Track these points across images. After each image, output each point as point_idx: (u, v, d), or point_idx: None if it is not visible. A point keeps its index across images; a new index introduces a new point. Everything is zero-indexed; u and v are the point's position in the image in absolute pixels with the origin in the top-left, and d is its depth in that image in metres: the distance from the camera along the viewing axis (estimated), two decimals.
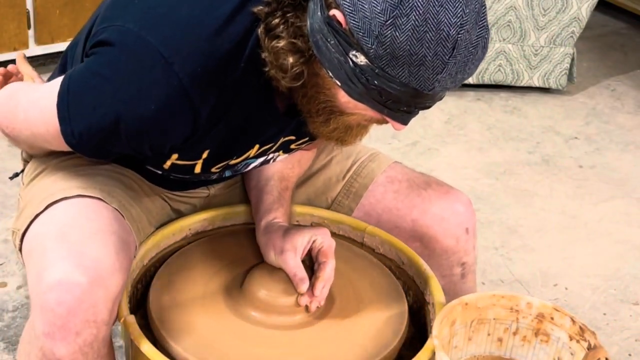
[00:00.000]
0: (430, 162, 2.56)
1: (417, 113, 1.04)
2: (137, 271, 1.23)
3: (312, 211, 1.38)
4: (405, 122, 1.04)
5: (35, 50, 2.68)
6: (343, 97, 1.02)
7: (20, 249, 1.15)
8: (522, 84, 3.08)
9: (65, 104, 1.05)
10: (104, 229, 1.09)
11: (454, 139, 2.75)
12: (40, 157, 1.27)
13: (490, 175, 2.56)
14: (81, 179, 1.17)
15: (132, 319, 1.12)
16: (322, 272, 1.18)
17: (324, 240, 1.19)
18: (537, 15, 2.93)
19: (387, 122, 1.06)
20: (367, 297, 1.24)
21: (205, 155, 1.15)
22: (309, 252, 1.20)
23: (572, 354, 1.15)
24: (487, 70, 3.02)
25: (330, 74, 1.00)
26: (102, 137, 1.05)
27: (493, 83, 3.06)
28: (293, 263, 1.17)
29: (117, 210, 1.14)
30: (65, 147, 1.10)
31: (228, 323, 1.16)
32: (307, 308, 1.18)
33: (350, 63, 0.97)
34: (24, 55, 1.33)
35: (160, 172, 1.22)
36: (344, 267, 1.28)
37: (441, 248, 1.33)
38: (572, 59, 3.05)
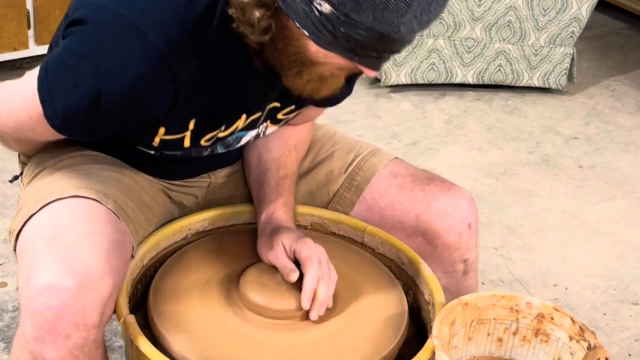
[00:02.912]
0: (430, 162, 2.56)
1: (388, 58, 1.04)
2: (137, 271, 1.23)
3: (312, 211, 1.38)
4: (376, 68, 1.04)
5: (35, 50, 2.68)
6: (312, 47, 1.02)
7: (15, 250, 1.15)
8: (522, 84, 3.08)
9: (46, 86, 1.06)
10: (97, 231, 1.09)
11: (454, 139, 2.75)
12: (38, 157, 1.27)
13: (490, 175, 2.56)
14: (78, 179, 1.17)
15: (132, 318, 1.12)
16: (304, 284, 1.17)
17: (302, 249, 1.19)
18: (537, 15, 2.93)
19: (359, 70, 1.06)
20: (367, 298, 1.24)
21: (192, 126, 1.15)
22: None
23: (572, 354, 1.15)
24: (487, 70, 3.02)
25: (297, 24, 1.00)
26: (85, 115, 1.05)
27: (493, 83, 3.06)
28: (282, 258, 1.19)
29: (112, 211, 1.14)
30: (51, 133, 1.09)
31: (228, 323, 1.16)
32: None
33: (316, 12, 0.97)
34: None
35: (152, 153, 1.22)
36: (344, 267, 1.28)
37: (444, 244, 1.33)
38: (572, 59, 3.05)
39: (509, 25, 2.94)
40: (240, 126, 1.20)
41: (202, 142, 1.19)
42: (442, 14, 2.83)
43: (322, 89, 1.11)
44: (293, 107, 1.25)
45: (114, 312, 1.14)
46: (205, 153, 1.25)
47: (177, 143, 1.18)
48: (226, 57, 1.09)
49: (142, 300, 1.25)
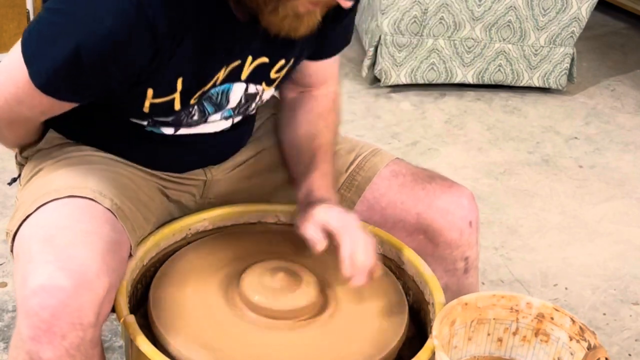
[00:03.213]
0: (430, 162, 2.56)
1: None
2: (137, 271, 1.23)
3: None
4: None
5: None
6: None
7: (12, 250, 1.15)
8: (522, 84, 3.08)
9: (29, 47, 1.07)
10: (93, 231, 1.08)
11: (454, 139, 2.75)
12: (35, 158, 1.27)
13: (490, 175, 2.56)
14: (74, 178, 1.17)
15: (132, 318, 1.12)
16: (339, 255, 1.18)
17: (331, 221, 1.19)
18: (537, 15, 2.93)
19: (334, 2, 1.07)
20: (367, 297, 1.24)
21: (179, 86, 1.14)
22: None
23: (572, 354, 1.16)
24: (487, 70, 3.02)
25: None
26: (68, 72, 1.05)
27: (493, 83, 3.06)
28: (310, 230, 1.20)
29: (109, 210, 1.14)
30: (39, 102, 1.10)
31: (228, 323, 1.16)
32: (324, 305, 1.19)
33: None
34: None
35: (145, 124, 1.22)
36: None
37: (445, 241, 1.33)
38: (572, 59, 3.05)
39: (509, 25, 2.94)
40: (221, 76, 1.19)
41: (192, 102, 1.19)
42: (442, 14, 2.84)
43: (299, 27, 1.11)
44: (283, 61, 1.24)
45: (114, 312, 1.14)
46: (195, 118, 1.23)
47: (168, 107, 1.17)
48: (204, 3, 1.09)
49: (142, 300, 1.25)
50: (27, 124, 1.22)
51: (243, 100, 1.26)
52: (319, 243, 1.19)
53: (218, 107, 1.24)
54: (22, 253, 1.08)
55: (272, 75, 1.25)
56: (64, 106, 1.14)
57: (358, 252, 1.17)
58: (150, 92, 1.14)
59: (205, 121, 1.26)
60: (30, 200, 1.14)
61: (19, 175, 1.33)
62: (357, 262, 1.17)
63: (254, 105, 1.29)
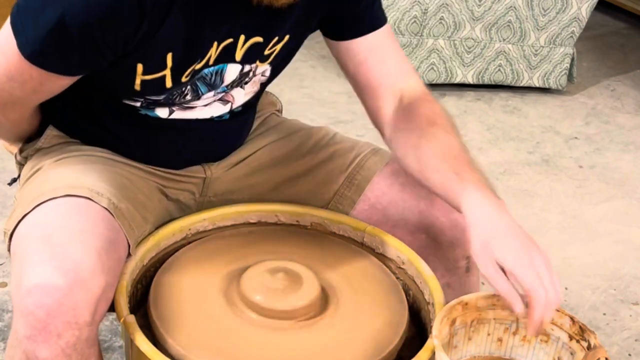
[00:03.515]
0: None
1: None
2: (137, 271, 1.23)
3: (312, 211, 1.38)
4: None
5: None
6: None
7: (10, 250, 1.15)
8: (522, 84, 3.08)
9: (18, 19, 1.07)
10: (88, 230, 1.09)
11: None
12: (34, 158, 1.27)
13: (490, 175, 2.55)
14: (71, 178, 1.17)
15: (132, 318, 1.12)
16: (530, 317, 1.07)
17: (523, 277, 1.06)
18: (537, 15, 2.93)
19: None
20: (367, 297, 1.24)
21: (170, 62, 1.14)
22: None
23: (572, 353, 1.15)
24: (487, 70, 3.02)
25: None
26: (55, 40, 1.05)
27: (493, 83, 3.06)
28: (504, 284, 1.08)
29: (106, 209, 1.14)
30: (30, 76, 1.10)
31: (228, 323, 1.16)
32: (324, 306, 1.18)
33: None
34: None
35: (138, 105, 1.21)
36: (344, 266, 1.28)
37: (447, 240, 1.33)
38: (572, 59, 3.06)
39: (509, 25, 2.94)
40: (213, 55, 1.18)
41: (183, 79, 1.18)
42: (442, 14, 2.84)
43: None
44: (276, 39, 1.23)
45: (114, 311, 1.14)
46: (189, 97, 1.23)
47: (159, 84, 1.16)
48: None
49: (142, 300, 1.25)
50: (20, 106, 1.21)
51: (237, 79, 1.25)
52: (516, 305, 1.07)
53: (212, 87, 1.24)
54: (19, 252, 1.08)
55: (266, 52, 1.24)
56: (55, 83, 1.14)
57: (546, 315, 1.07)
58: (140, 67, 1.13)
59: (199, 98, 1.25)
60: (28, 199, 1.14)
61: (19, 176, 1.33)
62: (543, 322, 1.08)
63: (247, 80, 1.27)
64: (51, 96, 1.19)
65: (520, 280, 1.07)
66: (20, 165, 1.33)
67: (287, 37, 1.24)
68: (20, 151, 1.33)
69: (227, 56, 1.20)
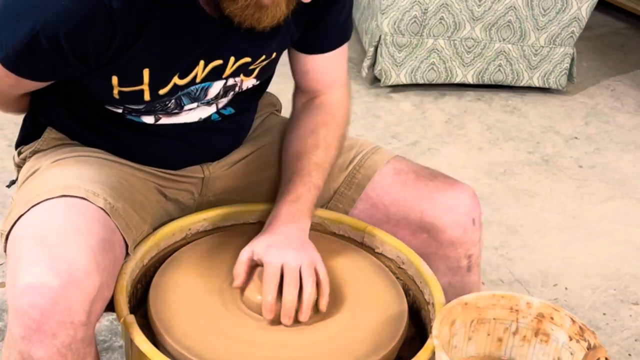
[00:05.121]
0: (430, 162, 2.56)
1: None
2: (137, 271, 1.23)
3: None
4: None
5: None
6: None
7: (6, 251, 1.15)
8: (522, 84, 3.08)
9: None
10: (83, 229, 1.09)
11: (454, 139, 2.75)
12: (32, 160, 1.27)
13: (490, 175, 2.56)
14: (68, 178, 1.17)
15: (132, 318, 1.12)
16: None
17: (263, 258, 1.18)
18: (537, 15, 2.93)
19: None
20: (367, 298, 1.24)
21: (146, 78, 1.15)
22: None
23: (571, 353, 1.16)
24: (487, 70, 3.02)
25: None
26: (26, 50, 1.07)
27: (493, 83, 3.06)
28: (239, 265, 1.19)
29: (102, 209, 1.14)
30: (6, 75, 1.11)
31: (228, 323, 1.16)
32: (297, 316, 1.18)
33: None
34: None
35: (120, 112, 1.23)
36: (344, 266, 1.28)
37: (449, 239, 1.33)
38: (572, 59, 3.06)
39: (509, 25, 2.94)
40: (200, 74, 1.19)
41: (160, 92, 1.19)
42: (442, 14, 2.84)
43: (262, 18, 1.10)
44: (263, 57, 1.24)
45: (114, 311, 1.14)
46: (172, 108, 1.24)
47: (137, 96, 1.18)
48: None
49: (142, 300, 1.25)
50: (3, 96, 1.24)
51: (222, 93, 1.27)
52: (235, 280, 1.19)
53: (195, 100, 1.25)
54: (14, 253, 1.09)
55: (251, 67, 1.26)
56: (30, 84, 1.16)
57: (285, 293, 1.15)
58: (115, 79, 1.15)
59: (182, 109, 1.26)
60: (24, 200, 1.15)
61: (17, 178, 1.33)
62: (283, 302, 1.15)
63: (231, 92, 1.29)
64: (32, 90, 1.20)
65: (260, 261, 1.18)
66: (19, 167, 1.33)
67: (274, 54, 1.27)
68: (19, 153, 1.34)
69: (216, 75, 1.22)
